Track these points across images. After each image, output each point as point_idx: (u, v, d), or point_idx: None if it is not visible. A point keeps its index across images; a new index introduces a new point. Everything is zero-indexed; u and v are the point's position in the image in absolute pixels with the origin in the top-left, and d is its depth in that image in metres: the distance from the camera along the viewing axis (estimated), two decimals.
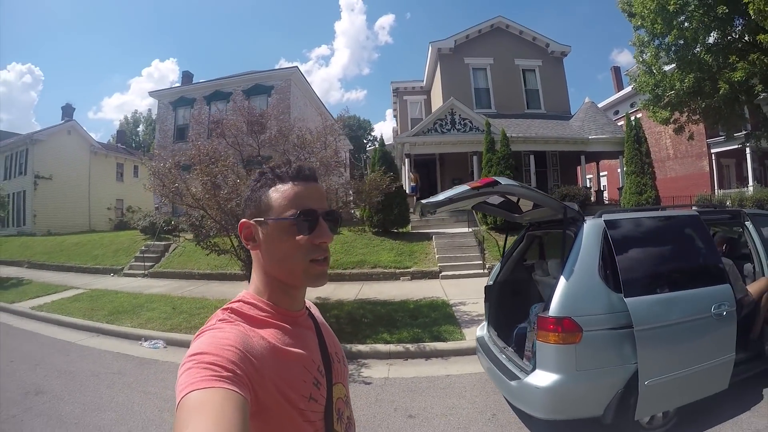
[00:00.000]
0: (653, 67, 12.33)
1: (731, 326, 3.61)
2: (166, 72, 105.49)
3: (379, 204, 14.41)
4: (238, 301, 0.96)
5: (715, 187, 21.99)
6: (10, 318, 9.59)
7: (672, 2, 10.89)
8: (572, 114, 20.05)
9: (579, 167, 19.72)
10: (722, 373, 3.59)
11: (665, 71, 12.29)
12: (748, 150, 17.52)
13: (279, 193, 0.96)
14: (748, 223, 4.42)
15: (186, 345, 6.89)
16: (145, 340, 7.21)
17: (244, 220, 0.98)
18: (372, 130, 58.82)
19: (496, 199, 4.20)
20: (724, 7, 10.35)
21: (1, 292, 12.21)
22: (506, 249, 5.00)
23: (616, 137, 17.66)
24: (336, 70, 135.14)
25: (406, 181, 18.70)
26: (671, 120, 13.30)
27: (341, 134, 10.37)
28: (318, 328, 1.09)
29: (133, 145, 45.61)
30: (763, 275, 4.26)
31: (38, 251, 19.01)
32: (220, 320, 0.89)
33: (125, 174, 32.13)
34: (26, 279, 14.18)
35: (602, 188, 24.24)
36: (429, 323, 7.06)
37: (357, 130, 49.10)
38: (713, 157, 22.32)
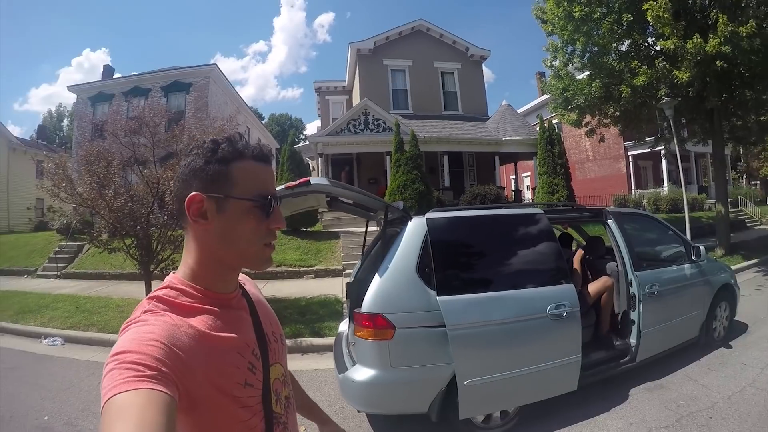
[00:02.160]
0: (560, 71, 12.78)
1: (573, 327, 3.60)
2: (97, 63, 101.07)
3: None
4: (166, 287, 0.92)
5: (632, 188, 23.33)
6: None
7: (577, 10, 11.18)
8: (490, 116, 20.62)
9: (499, 168, 20.59)
10: (567, 375, 3.62)
11: (573, 75, 12.72)
12: (663, 152, 18.52)
13: (242, 170, 0.90)
14: (610, 222, 4.49)
15: (84, 341, 7.38)
16: (45, 338, 7.53)
17: (195, 193, 0.89)
18: (304, 128, 58.95)
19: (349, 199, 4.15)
20: (629, 15, 10.76)
21: None
22: (366, 246, 4.94)
23: (530, 139, 18.26)
24: (272, 67, 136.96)
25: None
26: (583, 123, 13.77)
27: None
28: (252, 306, 1.05)
29: (57, 140, 43.13)
30: (625, 273, 4.32)
31: None
32: (145, 311, 0.85)
33: (46, 172, 30.48)
34: None
35: (527, 188, 25.32)
36: (315, 320, 7.23)
37: (288, 128, 48.73)
38: (630, 159, 23.71)
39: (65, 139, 44.33)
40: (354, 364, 3.48)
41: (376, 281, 3.35)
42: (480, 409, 3.45)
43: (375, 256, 4.80)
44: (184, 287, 0.92)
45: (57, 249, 14.98)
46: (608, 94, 12.08)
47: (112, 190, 7.35)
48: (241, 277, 1.10)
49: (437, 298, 3.27)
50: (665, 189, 21.61)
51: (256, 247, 0.93)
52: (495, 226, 3.93)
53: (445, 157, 18.47)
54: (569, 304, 3.59)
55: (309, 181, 3.35)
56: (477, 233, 3.81)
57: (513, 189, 22.27)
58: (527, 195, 24.52)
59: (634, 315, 4.25)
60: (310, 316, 7.44)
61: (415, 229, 3.54)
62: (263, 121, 52.13)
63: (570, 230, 6.53)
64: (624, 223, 4.60)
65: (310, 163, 19.11)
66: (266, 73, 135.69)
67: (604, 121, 13.79)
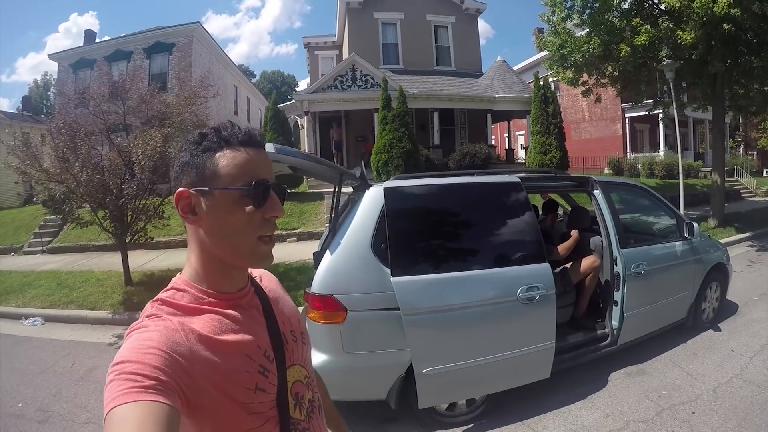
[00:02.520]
0: (557, 27, 12.27)
1: (547, 311, 3.29)
2: (85, 27, 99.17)
3: None
4: (171, 288, 0.89)
5: (628, 151, 22.72)
6: None
7: None
8: (484, 72, 19.96)
9: (493, 126, 20.10)
10: (540, 362, 3.34)
11: (571, 32, 12.22)
12: (661, 116, 17.97)
13: (228, 159, 0.85)
14: (596, 192, 4.05)
15: (63, 320, 7.30)
16: (26, 319, 7.40)
17: (182, 189, 0.85)
18: (296, 85, 57.10)
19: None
20: None
21: None
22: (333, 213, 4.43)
23: (524, 96, 17.63)
24: (266, 23, 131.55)
25: (311, 140, 18.36)
26: (580, 82, 13.30)
27: (206, 99, 10.23)
28: (267, 304, 0.99)
29: (45, 110, 41.75)
30: (610, 250, 3.95)
31: None
32: (147, 316, 0.82)
33: (11, 148, 30.09)
34: None
35: (521, 147, 24.81)
36: (291, 287, 6.74)
37: (281, 85, 47.86)
38: (627, 122, 23.06)
39: (51, 108, 43.10)
40: None
41: (327, 258, 3.09)
42: (442, 398, 3.23)
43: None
44: (188, 288, 0.88)
45: (42, 224, 14.63)
46: (607, 52, 11.55)
47: (79, 162, 7.14)
48: (259, 272, 1.07)
49: (391, 278, 2.96)
50: (661, 154, 21.17)
51: (249, 240, 0.86)
52: (463, 197, 3.54)
53: (435, 114, 17.95)
54: (543, 286, 3.24)
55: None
56: (441, 205, 3.46)
57: (506, 148, 21.78)
58: (521, 154, 23.99)
59: (617, 296, 3.89)
60: (287, 284, 7.13)
61: (371, 200, 3.19)
62: (254, 80, 51.41)
63: (555, 197, 6.03)
64: (612, 195, 4.21)
65: (298, 121, 18.63)
66: (260, 30, 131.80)
67: (602, 81, 13.29)
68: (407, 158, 14.03)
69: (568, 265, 4.30)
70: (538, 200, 5.98)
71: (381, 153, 14.34)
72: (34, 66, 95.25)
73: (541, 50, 13.75)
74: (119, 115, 8.46)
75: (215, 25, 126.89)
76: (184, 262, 0.93)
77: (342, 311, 2.95)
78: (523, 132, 28.42)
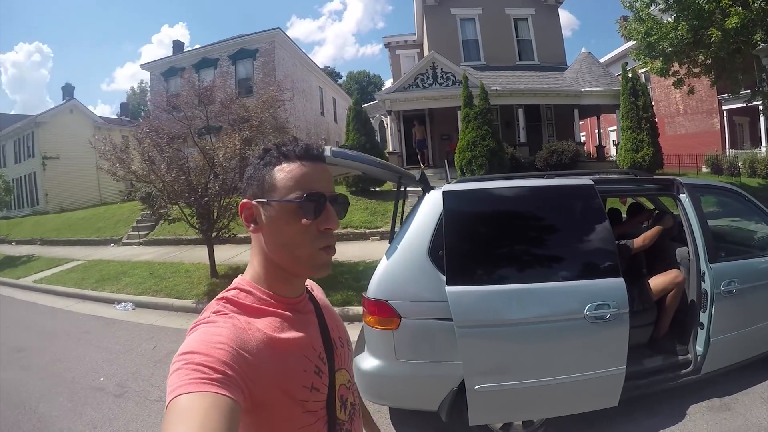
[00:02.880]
0: (641, 13, 11.57)
1: (618, 332, 2.90)
2: (177, 37, 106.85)
3: None
4: (234, 288, 0.93)
5: (727, 147, 20.59)
6: (15, 291, 11.12)
7: None
8: (569, 65, 19.10)
9: (581, 121, 19.21)
10: (607, 388, 2.97)
11: (656, 17, 11.47)
12: (761, 108, 16.02)
13: (285, 172, 0.90)
14: (683, 197, 3.54)
15: (151, 306, 7.96)
16: (118, 303, 8.22)
17: (245, 200, 0.92)
18: (382, 85, 57.82)
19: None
20: None
21: (12, 269, 13.69)
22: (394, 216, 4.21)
23: (612, 90, 16.67)
24: (349, 25, 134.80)
25: (395, 139, 18.46)
26: (670, 72, 12.40)
27: (283, 102, 10.90)
28: (319, 311, 1.05)
29: (142, 114, 45.96)
30: (697, 264, 3.44)
31: (49, 228, 20.27)
32: (214, 312, 0.86)
33: (101, 152, 32.65)
34: (35, 255, 15.21)
35: (613, 144, 23.49)
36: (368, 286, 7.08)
37: (367, 85, 48.56)
38: (725, 115, 20.87)
39: (148, 113, 46.74)
40: (363, 350, 3.18)
41: (383, 263, 3.01)
42: (495, 417, 3.04)
43: None
44: (251, 289, 0.92)
45: (139, 218, 15.93)
46: (697, 38, 10.71)
47: (165, 163, 7.76)
48: (309, 282, 1.11)
49: (446, 288, 2.80)
50: (763, 150, 18.92)
51: (308, 250, 0.89)
52: (529, 202, 3.25)
53: (520, 111, 17.35)
54: (615, 304, 2.85)
55: None
56: (504, 211, 3.21)
57: (596, 145, 20.70)
58: (613, 151, 22.67)
59: (703, 317, 3.33)
60: (364, 282, 7.25)
61: (429, 204, 3.07)
62: (341, 81, 53.24)
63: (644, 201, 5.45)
64: (701, 200, 3.70)
65: (383, 120, 18.76)
66: (344, 32, 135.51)
67: (693, 69, 12.28)
68: (491, 157, 13.68)
69: (648, 280, 3.81)
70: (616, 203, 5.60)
71: (464, 151, 14.08)
72: (131, 75, 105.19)
73: (626, 39, 13.06)
74: (203, 119, 9.10)
75: (300, 29, 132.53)
76: None
77: (396, 318, 2.87)
78: (614, 128, 27.05)
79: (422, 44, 22.77)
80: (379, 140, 19.70)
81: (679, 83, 12.71)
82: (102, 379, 4.88)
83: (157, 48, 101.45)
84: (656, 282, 3.70)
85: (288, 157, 0.91)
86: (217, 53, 21.58)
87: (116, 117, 36.66)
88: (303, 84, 24.01)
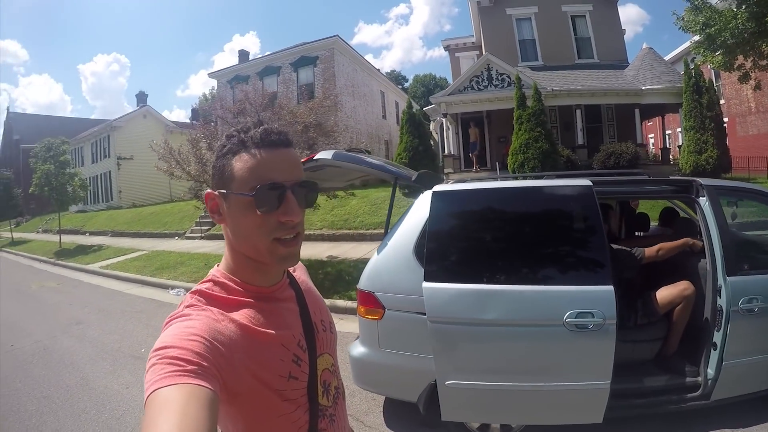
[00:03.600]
0: (697, 2, 11.07)
1: (602, 344, 2.75)
2: (248, 45, 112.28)
3: (406, 165, 15.08)
4: (209, 281, 0.95)
5: None
6: (84, 275, 12.84)
7: None
8: (630, 63, 18.58)
9: (644, 122, 18.60)
10: (589, 402, 2.85)
11: (714, 6, 10.93)
12: None
13: (241, 162, 0.88)
14: (702, 200, 3.21)
15: None
16: (172, 289, 9.35)
17: (209, 191, 0.93)
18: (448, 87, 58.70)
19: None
20: None
21: (83, 256, 15.71)
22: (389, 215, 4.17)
23: (675, 87, 15.96)
24: (416, 29, 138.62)
25: (453, 141, 18.75)
26: (735, 66, 11.80)
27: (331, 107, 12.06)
28: (300, 295, 1.05)
29: (213, 120, 48.73)
30: (714, 276, 3.08)
31: (120, 222, 22.60)
32: (187, 306, 0.87)
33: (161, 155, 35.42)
34: (105, 245, 17.16)
35: (678, 146, 22.62)
36: None
37: (434, 88, 48.96)
38: None
39: (206, 119, 50.34)
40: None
41: (374, 258, 3.22)
42: (468, 416, 3.10)
43: None
44: (225, 281, 0.94)
45: (202, 214, 17.19)
46: (762, 27, 10.10)
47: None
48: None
49: (423, 284, 2.91)
50: None
51: (265, 242, 0.89)
52: (519, 203, 3.21)
53: (578, 112, 17.17)
54: (600, 314, 2.70)
55: (314, 157, 3.40)
56: (491, 211, 3.22)
57: (661, 147, 20.03)
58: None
59: (717, 337, 2.99)
60: None
61: (420, 203, 3.19)
62: (407, 84, 54.93)
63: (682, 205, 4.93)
64: (723, 204, 3.39)
65: (443, 122, 19.13)
66: (411, 36, 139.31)
67: (760, 62, 11.55)
68: (544, 159, 13.78)
69: (656, 291, 3.56)
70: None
71: (517, 154, 14.25)
72: (204, 81, 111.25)
73: (685, 32, 12.27)
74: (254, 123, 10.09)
75: (367, 34, 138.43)
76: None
77: (380, 309, 3.05)
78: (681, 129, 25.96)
79: (481, 46, 22.84)
80: (439, 142, 20.07)
81: (744, 78, 12.10)
82: (143, 350, 5.76)
83: (229, 56, 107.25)
84: (663, 294, 3.45)
85: (245, 145, 0.89)
86: (280, 61, 22.79)
87: (188, 121, 39.09)
88: (364, 88, 24.91)
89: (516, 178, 3.74)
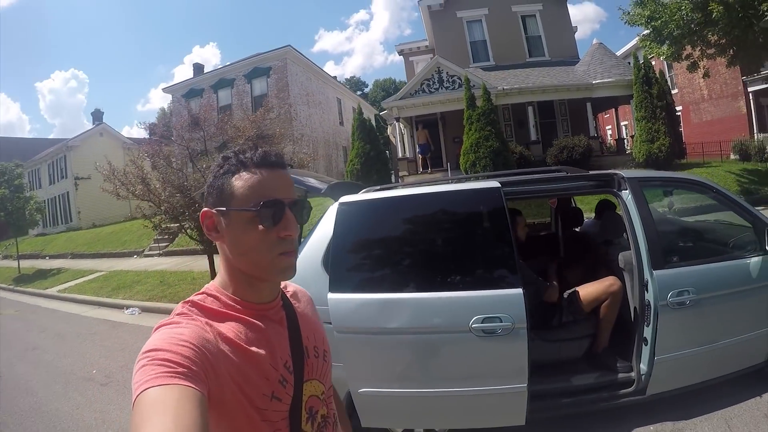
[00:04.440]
0: None
1: (514, 348, 2.73)
2: (208, 56, 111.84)
3: (358, 171, 15.20)
4: (202, 293, 0.97)
5: (755, 131, 19.69)
6: (41, 300, 13.04)
7: None
8: (581, 59, 19.09)
9: (601, 114, 18.99)
10: (509, 405, 2.84)
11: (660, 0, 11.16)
12: None
13: (242, 181, 0.92)
14: (624, 193, 3.18)
15: (155, 311, 9.07)
16: (127, 309, 9.45)
17: (206, 209, 0.96)
18: None
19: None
20: None
21: (42, 281, 15.81)
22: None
23: (624, 80, 16.52)
24: (377, 35, 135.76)
25: (406, 145, 19.02)
26: (683, 56, 12.17)
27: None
28: (293, 319, 1.05)
29: (169, 136, 48.44)
30: (640, 270, 3.05)
31: (80, 243, 22.52)
32: (178, 314, 0.89)
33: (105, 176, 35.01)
34: (64, 268, 17.12)
35: (629, 137, 23.21)
36: None
37: (394, 92, 49.38)
38: (751, 97, 19.98)
39: (151, 138, 50.90)
40: None
41: None
42: (386, 422, 3.07)
43: None
44: (218, 294, 0.95)
45: (159, 231, 17.12)
46: (707, 17, 10.26)
47: (160, 183, 8.98)
48: (294, 287, 1.19)
49: (327, 294, 2.87)
50: None
51: (268, 257, 0.92)
52: (424, 210, 3.19)
53: (530, 109, 17.59)
54: (509, 318, 2.67)
55: None
56: (396, 220, 3.18)
57: (616, 138, 20.54)
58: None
59: (647, 332, 2.96)
60: None
61: (328, 215, 3.17)
62: (367, 89, 55.83)
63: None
64: (649, 195, 3.34)
65: (399, 126, 19.27)
66: (371, 41, 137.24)
67: (708, 51, 11.91)
68: (495, 157, 14.00)
69: (578, 288, 3.53)
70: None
71: (468, 153, 14.48)
72: (164, 96, 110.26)
73: (631, 26, 12.42)
74: (201, 141, 10.32)
75: (328, 41, 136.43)
76: None
77: None
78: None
79: (434, 49, 23.16)
80: (397, 146, 20.23)
81: (693, 67, 12.45)
82: (94, 371, 5.90)
83: (189, 68, 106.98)
84: (587, 291, 3.42)
85: (245, 165, 0.93)
86: (233, 73, 22.84)
87: (146, 137, 38.76)
88: (319, 96, 25.02)
89: (423, 185, 3.48)
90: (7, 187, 19.06)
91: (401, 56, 25.36)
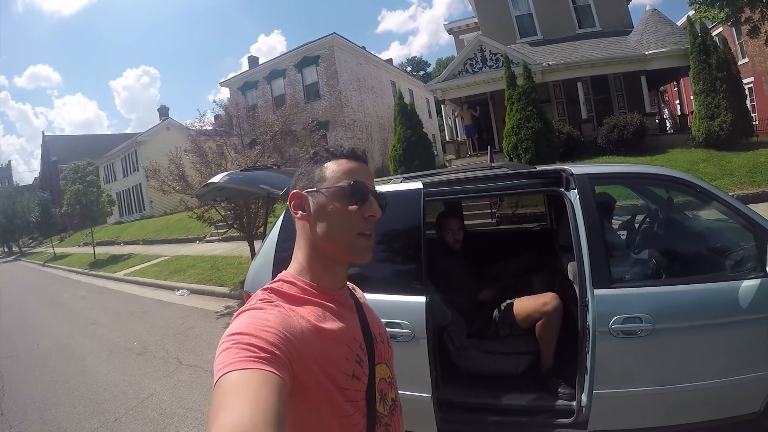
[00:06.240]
0: None
1: (415, 356, 2.63)
2: (274, 44, 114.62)
3: (400, 156, 15.61)
4: (279, 280, 1.02)
5: None
6: (109, 282, 15.03)
7: None
8: (635, 27, 18.06)
9: (669, 88, 17.94)
10: (417, 413, 2.65)
11: None
12: None
13: (334, 165, 1.02)
14: (571, 193, 2.79)
15: (200, 293, 10.34)
16: (178, 290, 10.82)
17: (295, 191, 1.04)
18: None
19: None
20: None
21: (113, 265, 18.03)
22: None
23: (680, 49, 15.04)
24: (440, 10, 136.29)
25: (456, 127, 19.12)
26: (742, 19, 11.48)
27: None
28: (360, 307, 1.13)
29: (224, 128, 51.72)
30: (581, 287, 2.60)
31: (150, 230, 25.29)
32: (260, 300, 0.94)
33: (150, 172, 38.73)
34: (134, 254, 19.46)
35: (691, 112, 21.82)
36: None
37: None
38: None
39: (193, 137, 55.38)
40: None
41: (253, 262, 3.40)
42: None
43: None
44: (294, 281, 1.01)
45: (220, 218, 18.63)
46: None
47: (200, 176, 10.02)
48: (350, 284, 1.20)
49: None
50: None
51: (350, 235, 1.00)
52: None
53: (579, 84, 16.93)
54: (409, 326, 2.62)
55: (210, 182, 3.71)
56: None
57: (679, 114, 19.41)
58: None
59: (588, 359, 2.53)
60: None
61: (285, 212, 3.22)
62: (430, 68, 57.75)
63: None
64: (604, 197, 3.01)
65: (443, 108, 19.37)
66: (436, 17, 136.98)
67: None
68: (537, 139, 13.61)
69: (516, 300, 3.26)
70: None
71: (510, 136, 14.23)
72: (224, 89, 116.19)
73: None
74: (236, 136, 11.79)
75: (391, 21, 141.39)
76: None
77: None
78: None
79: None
80: (445, 129, 20.26)
81: (753, 32, 11.81)
82: (135, 343, 7.12)
83: (256, 56, 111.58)
84: (521, 306, 3.17)
85: (336, 156, 1.04)
86: (284, 64, 24.16)
87: (211, 128, 41.32)
88: (371, 81, 25.89)
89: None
90: (81, 183, 21.75)
91: (450, 35, 25.42)
